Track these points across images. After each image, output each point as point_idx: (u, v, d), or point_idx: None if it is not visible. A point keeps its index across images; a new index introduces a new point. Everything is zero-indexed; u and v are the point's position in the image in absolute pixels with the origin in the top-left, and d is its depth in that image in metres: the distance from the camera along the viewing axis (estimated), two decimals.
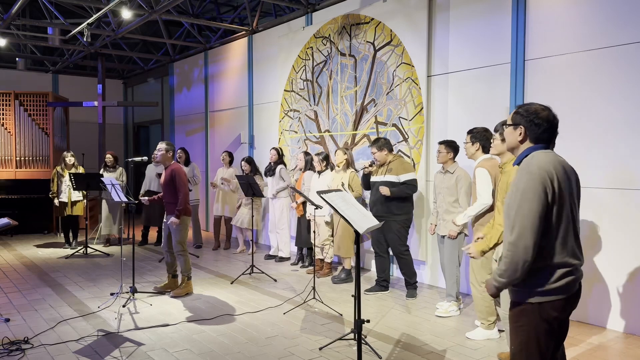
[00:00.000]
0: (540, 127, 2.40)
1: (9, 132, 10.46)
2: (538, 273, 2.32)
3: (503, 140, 4.35)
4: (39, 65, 13.50)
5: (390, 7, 6.64)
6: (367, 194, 6.85)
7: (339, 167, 6.46)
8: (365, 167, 5.91)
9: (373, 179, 5.83)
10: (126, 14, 8.11)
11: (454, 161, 5.19)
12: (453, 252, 5.12)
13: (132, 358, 4.01)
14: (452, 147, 5.18)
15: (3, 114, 10.46)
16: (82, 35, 9.11)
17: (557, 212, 2.31)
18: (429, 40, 6.23)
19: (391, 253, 5.90)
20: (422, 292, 5.99)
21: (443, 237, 5.20)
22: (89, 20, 8.51)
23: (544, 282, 2.30)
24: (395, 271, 6.24)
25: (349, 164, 6.43)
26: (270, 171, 7.64)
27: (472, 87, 5.84)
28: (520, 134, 2.44)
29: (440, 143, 5.23)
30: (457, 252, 5.11)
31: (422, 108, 6.24)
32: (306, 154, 7.16)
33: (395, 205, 5.63)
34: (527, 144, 2.44)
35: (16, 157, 10.45)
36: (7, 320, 4.87)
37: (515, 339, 2.42)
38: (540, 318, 2.32)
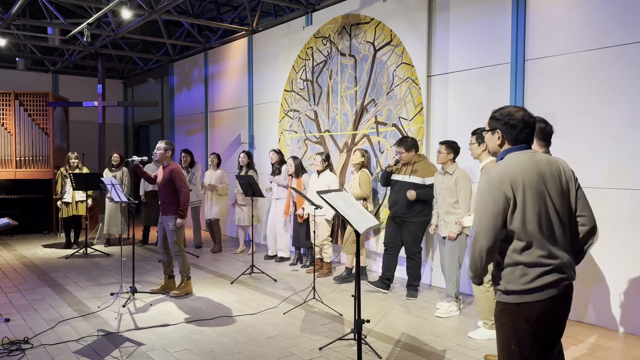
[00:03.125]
0: (515, 128, 2.42)
1: (9, 132, 10.46)
2: (513, 273, 2.34)
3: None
4: (39, 65, 13.50)
5: (390, 7, 6.63)
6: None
7: (355, 166, 6.44)
8: (390, 166, 5.85)
9: (395, 177, 5.77)
10: (126, 14, 8.11)
11: (454, 162, 5.19)
12: (453, 253, 5.11)
13: (132, 358, 4.01)
14: (452, 147, 5.17)
15: (3, 114, 10.46)
16: (82, 35, 9.11)
17: (523, 214, 2.31)
18: (429, 40, 6.23)
19: (401, 254, 5.88)
20: (422, 292, 5.99)
21: (444, 238, 5.20)
22: (89, 20, 8.51)
23: (519, 282, 2.33)
24: (398, 272, 6.23)
25: (365, 165, 6.42)
26: (275, 172, 7.60)
27: (472, 87, 5.84)
28: (499, 137, 2.47)
29: (442, 143, 5.22)
30: (458, 253, 5.11)
31: (422, 108, 6.24)
32: (294, 158, 7.16)
33: (416, 207, 5.59)
34: (507, 147, 2.47)
35: (16, 157, 10.45)
36: (7, 320, 4.87)
37: (498, 339, 2.46)
38: (520, 318, 2.33)
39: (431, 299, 5.70)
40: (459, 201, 5.06)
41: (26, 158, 10.51)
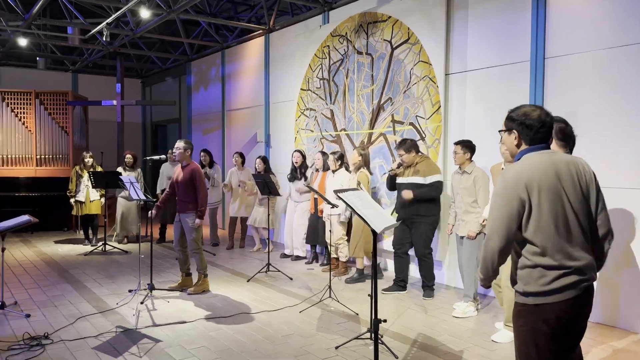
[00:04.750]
0: (532, 128, 2.39)
1: (30, 130, 10.63)
2: (531, 274, 2.32)
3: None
4: (59, 64, 13.68)
5: (407, 4, 6.59)
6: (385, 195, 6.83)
7: (353, 166, 6.44)
8: (392, 169, 5.85)
9: (399, 180, 5.74)
10: (144, 13, 8.18)
11: (471, 161, 5.14)
12: (472, 253, 5.07)
13: (149, 354, 4.04)
14: (468, 147, 5.12)
15: (24, 113, 10.64)
16: (101, 34, 9.21)
17: (538, 218, 2.29)
18: (447, 38, 6.17)
19: (412, 254, 5.86)
20: (439, 292, 5.94)
21: (462, 237, 5.15)
22: (108, 20, 8.60)
23: (537, 284, 2.30)
24: (413, 271, 6.20)
25: (362, 165, 6.38)
26: (295, 173, 7.56)
27: (490, 86, 5.78)
28: (515, 138, 2.45)
29: (457, 143, 5.17)
30: (476, 253, 5.06)
31: (440, 107, 6.19)
32: (323, 153, 7.14)
33: (423, 207, 5.55)
34: (524, 147, 2.44)
35: (36, 155, 10.62)
36: (28, 315, 4.94)
37: (515, 340, 2.45)
38: (539, 319, 2.31)
39: (448, 299, 5.66)
40: (477, 200, 5.01)
41: (46, 156, 10.67)
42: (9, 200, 10.10)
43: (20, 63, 13.11)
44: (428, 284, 5.73)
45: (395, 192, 5.94)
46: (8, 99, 10.70)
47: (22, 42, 9.95)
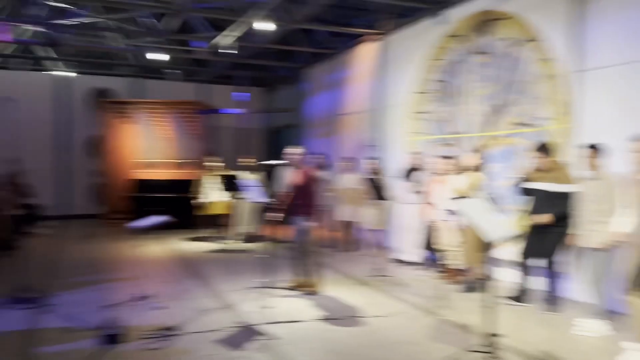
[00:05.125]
0: None
1: (166, 137, 11.72)
2: None
3: None
4: (190, 76, 14.81)
5: (530, 0, 6.23)
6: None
7: (467, 169, 6.22)
8: (525, 173, 5.56)
9: (532, 185, 5.46)
10: (267, 25, 8.58)
11: (602, 166, 4.74)
12: (600, 265, 4.66)
13: (264, 350, 4.23)
14: (599, 150, 4.74)
15: (161, 122, 11.73)
16: (227, 47, 9.83)
17: None
18: (575, 34, 5.73)
19: (538, 264, 5.53)
20: (563, 306, 5.52)
21: (592, 249, 4.75)
22: (233, 33, 9.14)
23: None
24: (536, 284, 5.81)
25: (476, 168, 6.14)
26: (407, 174, 7.55)
27: (625, 84, 5.25)
28: None
29: (589, 147, 4.82)
30: (607, 265, 4.64)
31: (566, 107, 5.76)
32: (439, 157, 6.99)
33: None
34: None
35: (171, 159, 11.68)
36: (160, 308, 5.39)
37: None
38: None
39: (573, 315, 5.23)
40: (608, 209, 4.58)
41: (179, 161, 11.70)
42: (148, 200, 11.14)
43: (157, 75, 14.40)
44: (552, 297, 5.37)
45: (523, 197, 5.65)
46: (150, 109, 11.89)
47: (165, 57, 10.95)
